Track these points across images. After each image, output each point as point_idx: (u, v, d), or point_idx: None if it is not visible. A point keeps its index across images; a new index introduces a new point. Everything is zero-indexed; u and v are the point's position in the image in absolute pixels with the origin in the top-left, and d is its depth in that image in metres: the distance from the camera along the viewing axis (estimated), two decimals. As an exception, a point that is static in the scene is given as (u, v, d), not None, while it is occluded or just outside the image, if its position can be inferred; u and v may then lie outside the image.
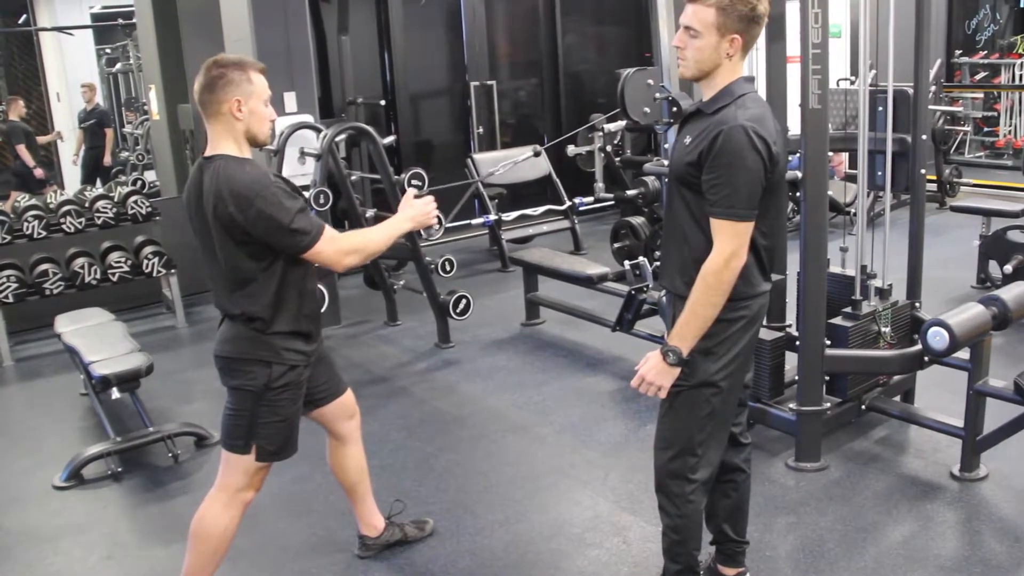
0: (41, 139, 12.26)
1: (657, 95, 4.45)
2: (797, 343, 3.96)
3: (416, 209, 3.08)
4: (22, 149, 10.46)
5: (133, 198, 6.92)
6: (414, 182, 5.75)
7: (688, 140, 2.64)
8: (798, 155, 3.88)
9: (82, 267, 6.41)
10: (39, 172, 10.56)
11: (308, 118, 6.32)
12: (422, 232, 3.19)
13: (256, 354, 2.85)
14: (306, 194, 5.32)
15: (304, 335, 2.94)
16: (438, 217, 3.20)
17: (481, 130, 9.41)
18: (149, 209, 6.95)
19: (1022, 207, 6.28)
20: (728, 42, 2.55)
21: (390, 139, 6.11)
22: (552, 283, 6.23)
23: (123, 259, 6.58)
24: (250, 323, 2.84)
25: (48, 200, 7.38)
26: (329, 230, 2.85)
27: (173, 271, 6.74)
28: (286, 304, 2.87)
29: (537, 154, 7.93)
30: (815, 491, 3.84)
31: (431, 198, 3.12)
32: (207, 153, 2.85)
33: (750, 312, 2.68)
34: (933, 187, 8.77)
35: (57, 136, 12.01)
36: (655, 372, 2.64)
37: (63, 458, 4.46)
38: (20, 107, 10.84)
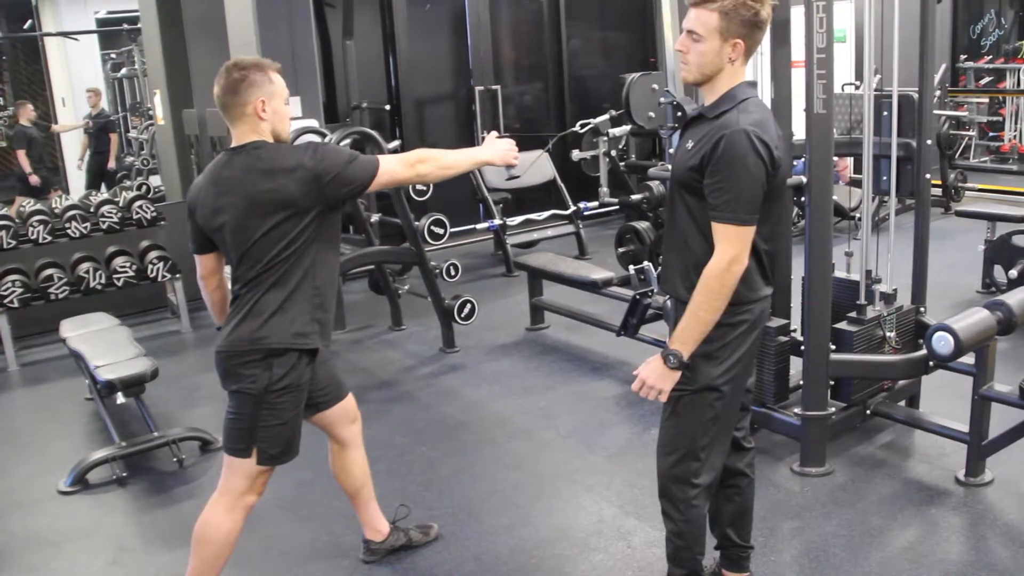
0: (64, 127, 12.29)
1: (661, 99, 4.46)
2: (802, 347, 3.96)
3: (499, 145, 3.17)
4: (21, 155, 10.49)
5: (138, 203, 6.95)
6: (419, 186, 5.76)
7: (690, 144, 2.64)
8: (803, 160, 3.87)
9: (87, 272, 6.42)
10: (34, 179, 10.57)
11: (313, 123, 6.33)
12: (506, 169, 3.27)
13: (261, 344, 2.84)
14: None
15: (316, 321, 2.94)
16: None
17: (486, 135, 9.39)
18: (154, 214, 6.98)
19: (1027, 211, 6.28)
20: (731, 46, 2.55)
21: (395, 144, 6.12)
22: (557, 288, 6.23)
23: (128, 264, 6.59)
24: (270, 301, 2.84)
25: (53, 205, 7.41)
26: (387, 159, 2.95)
27: (178, 276, 6.75)
28: (308, 287, 2.89)
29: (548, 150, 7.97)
30: (820, 496, 3.83)
31: (512, 141, 3.21)
32: (234, 144, 2.88)
33: (752, 316, 2.68)
34: (938, 192, 8.76)
35: (86, 126, 11.98)
36: (656, 376, 2.64)
37: (68, 463, 4.46)
38: (29, 111, 10.86)
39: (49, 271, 6.38)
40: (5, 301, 6.18)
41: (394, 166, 2.93)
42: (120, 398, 4.47)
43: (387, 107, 9.24)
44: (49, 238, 6.60)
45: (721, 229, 2.52)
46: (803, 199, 3.88)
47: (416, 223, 5.81)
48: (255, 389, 2.87)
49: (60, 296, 6.34)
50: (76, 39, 12.67)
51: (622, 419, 4.77)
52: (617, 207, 8.63)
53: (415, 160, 2.98)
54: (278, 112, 2.90)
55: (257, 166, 2.81)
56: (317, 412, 3.24)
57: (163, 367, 4.74)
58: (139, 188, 8.59)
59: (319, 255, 2.91)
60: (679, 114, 4.13)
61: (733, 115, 2.53)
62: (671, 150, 4.33)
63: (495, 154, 3.16)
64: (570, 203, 8.40)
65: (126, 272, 6.56)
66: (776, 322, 4.06)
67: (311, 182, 2.78)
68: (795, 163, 4.24)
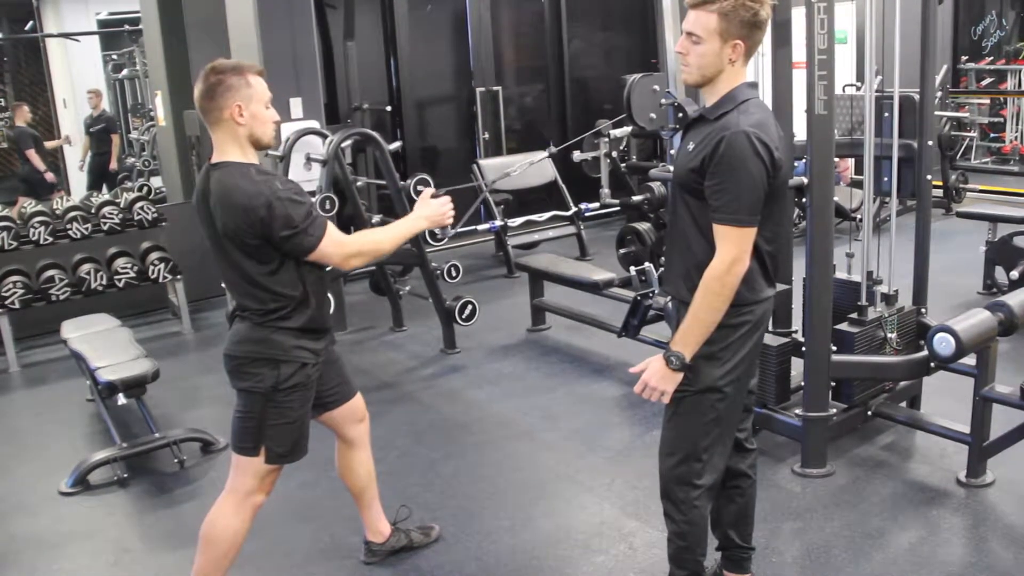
0: (49, 144, 12.32)
1: (663, 101, 4.45)
2: (803, 349, 3.96)
3: (432, 208, 3.11)
4: (32, 154, 10.50)
5: (139, 204, 6.94)
6: (420, 188, 5.76)
7: (691, 146, 2.64)
8: (804, 161, 3.87)
9: (88, 273, 6.42)
10: (50, 176, 10.63)
11: (314, 124, 6.33)
12: (436, 231, 3.21)
13: (265, 353, 2.87)
14: (312, 200, 5.35)
15: (314, 333, 2.96)
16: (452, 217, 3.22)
17: (487, 136, 9.41)
18: (155, 215, 6.97)
19: (1028, 212, 6.28)
20: (731, 48, 2.55)
21: (396, 145, 6.11)
22: (558, 289, 6.23)
23: (129, 265, 6.59)
24: (264, 317, 2.86)
25: (54, 206, 7.41)
26: (333, 231, 2.87)
27: (179, 277, 6.75)
28: (299, 302, 2.89)
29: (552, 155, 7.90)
30: (821, 497, 3.83)
31: (448, 198, 3.14)
32: (213, 160, 2.88)
33: (754, 317, 2.68)
34: (939, 193, 8.75)
35: (65, 141, 12.04)
36: (658, 377, 2.64)
37: (69, 464, 4.46)
38: (25, 113, 10.88)
39: (50, 272, 6.38)
40: (6, 302, 6.18)
41: (333, 256, 2.88)
42: (121, 399, 4.47)
43: (388, 108, 9.24)
44: (50, 239, 6.60)
45: (722, 231, 2.52)
46: (804, 200, 3.88)
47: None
48: (263, 388, 2.88)
49: (61, 297, 6.34)
50: (77, 40, 12.65)
51: (623, 420, 4.77)
52: (618, 208, 8.62)
53: (353, 252, 2.92)
54: (257, 116, 2.86)
55: (222, 196, 2.79)
56: (325, 411, 3.24)
57: (164, 368, 4.74)
58: (140, 189, 8.59)
59: (313, 275, 2.92)
60: (680, 115, 4.12)
61: (734, 116, 2.53)
62: (672, 151, 4.33)
63: (429, 220, 3.11)
64: (571, 204, 8.40)
65: (127, 273, 6.56)
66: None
67: (255, 226, 2.74)
68: (796, 164, 4.24)
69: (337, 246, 2.88)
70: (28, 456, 4.84)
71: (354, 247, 2.95)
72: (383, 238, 3.03)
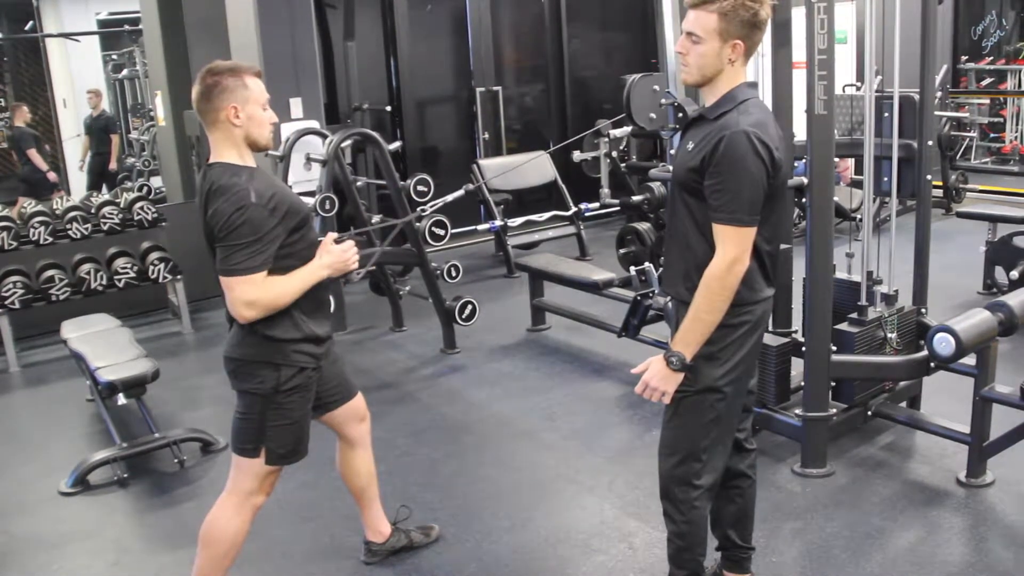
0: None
1: (663, 101, 4.45)
2: (803, 349, 3.96)
3: (334, 256, 3.00)
4: (33, 153, 10.50)
5: (139, 204, 6.94)
6: (419, 188, 5.76)
7: (691, 146, 2.64)
8: (804, 161, 3.87)
9: (88, 273, 6.42)
10: (52, 176, 10.62)
11: (314, 124, 6.33)
12: (342, 279, 3.09)
13: (265, 356, 2.87)
14: (311, 200, 5.35)
15: (311, 339, 2.95)
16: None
17: (487, 136, 9.42)
18: (155, 215, 6.97)
19: (1028, 212, 6.28)
20: (730, 48, 2.55)
21: (396, 145, 6.11)
22: (558, 289, 6.23)
23: (129, 265, 6.59)
24: (254, 327, 2.85)
25: (54, 206, 7.40)
26: (258, 276, 2.75)
27: (179, 277, 6.75)
28: (287, 311, 2.87)
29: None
30: (821, 497, 3.83)
31: (351, 243, 3.06)
32: (209, 161, 2.88)
33: (753, 317, 2.68)
34: (939, 193, 8.76)
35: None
36: (659, 378, 2.64)
37: (69, 464, 4.46)
38: (25, 113, 10.87)
39: (50, 272, 6.38)
40: (6, 302, 6.18)
41: (234, 294, 2.74)
42: (121, 399, 4.47)
43: (388, 108, 9.25)
44: (50, 239, 6.59)
45: (722, 230, 2.52)
46: (804, 200, 3.88)
47: (417, 224, 5.81)
48: (264, 390, 2.88)
49: (61, 297, 6.34)
50: (77, 40, 12.65)
51: (623, 420, 4.77)
52: (618, 208, 8.63)
53: (250, 301, 2.75)
54: (253, 118, 2.85)
55: (207, 195, 2.79)
56: (326, 412, 3.24)
57: (164, 368, 4.74)
58: (140, 189, 8.58)
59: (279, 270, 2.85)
60: (680, 115, 4.13)
61: (733, 116, 2.53)
62: (672, 151, 4.33)
63: (331, 268, 3.00)
64: (571, 204, 8.41)
65: (127, 273, 6.56)
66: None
67: (218, 226, 2.74)
68: (796, 164, 4.24)
69: (246, 285, 2.73)
70: (28, 456, 4.84)
71: (261, 295, 2.77)
72: (285, 290, 2.86)
